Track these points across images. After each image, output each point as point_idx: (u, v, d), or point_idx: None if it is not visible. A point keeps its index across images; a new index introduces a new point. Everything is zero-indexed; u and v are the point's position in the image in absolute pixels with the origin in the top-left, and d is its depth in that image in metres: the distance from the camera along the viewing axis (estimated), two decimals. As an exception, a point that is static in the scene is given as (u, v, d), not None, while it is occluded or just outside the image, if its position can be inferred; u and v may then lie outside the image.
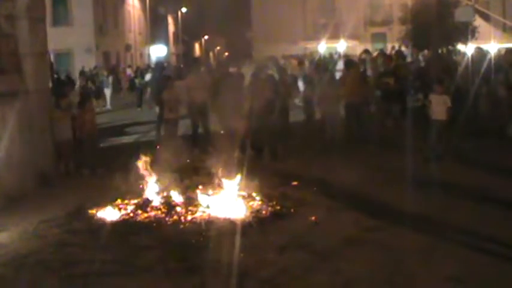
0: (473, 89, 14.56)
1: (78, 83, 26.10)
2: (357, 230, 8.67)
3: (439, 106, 13.31)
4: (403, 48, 33.93)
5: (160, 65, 26.44)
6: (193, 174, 10.48)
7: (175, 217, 9.32)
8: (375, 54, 23.89)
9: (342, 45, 43.46)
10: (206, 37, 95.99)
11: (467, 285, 6.74)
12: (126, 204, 10.01)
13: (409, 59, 27.39)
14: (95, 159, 13.23)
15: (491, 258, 7.48)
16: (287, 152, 13.95)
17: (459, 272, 7.03)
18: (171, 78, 18.38)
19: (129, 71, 44.53)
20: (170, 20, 78.76)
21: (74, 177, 12.66)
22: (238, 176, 10.15)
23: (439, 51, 28.57)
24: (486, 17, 38.16)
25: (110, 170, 12.39)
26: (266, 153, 13.84)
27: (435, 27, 28.35)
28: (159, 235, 8.67)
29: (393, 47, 35.64)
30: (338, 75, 19.27)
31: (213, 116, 15.77)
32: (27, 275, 7.49)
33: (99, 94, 29.73)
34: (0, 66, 11.64)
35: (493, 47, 27.74)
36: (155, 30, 70.21)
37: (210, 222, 9.03)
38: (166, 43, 74.19)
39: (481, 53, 17.61)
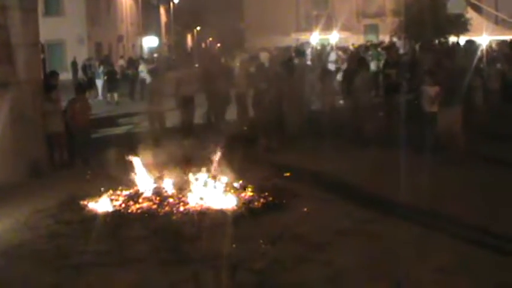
0: (465, 81, 14.55)
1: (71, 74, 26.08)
2: (349, 222, 8.70)
3: (430, 98, 13.32)
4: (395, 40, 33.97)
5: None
6: (185, 166, 10.48)
7: (167, 208, 9.33)
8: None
9: (334, 37, 43.41)
10: (198, 28, 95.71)
11: (459, 277, 6.78)
12: (119, 195, 10.01)
13: (401, 51, 27.50)
14: (87, 151, 13.20)
15: (483, 250, 7.52)
16: (281, 143, 13.97)
17: (451, 264, 7.08)
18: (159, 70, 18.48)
19: (121, 62, 44.41)
20: (162, 10, 78.48)
21: (67, 168, 12.64)
22: (231, 167, 10.17)
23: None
24: (478, 10, 38.20)
25: (102, 161, 12.40)
26: (261, 144, 13.83)
27: (428, 19, 28.43)
28: (151, 226, 8.68)
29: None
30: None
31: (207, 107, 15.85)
32: (20, 265, 7.49)
33: (91, 85, 29.62)
34: (-8, 57, 11.62)
35: (485, 39, 27.74)
36: (147, 20, 69.98)
37: (202, 213, 9.04)
38: (159, 34, 73.97)
39: (472, 46, 17.68)
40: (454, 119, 12.36)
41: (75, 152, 13.22)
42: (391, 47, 22.74)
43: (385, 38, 37.79)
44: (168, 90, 16.37)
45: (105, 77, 28.56)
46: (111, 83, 28.22)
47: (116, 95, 27.65)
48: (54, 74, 14.77)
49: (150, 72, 22.16)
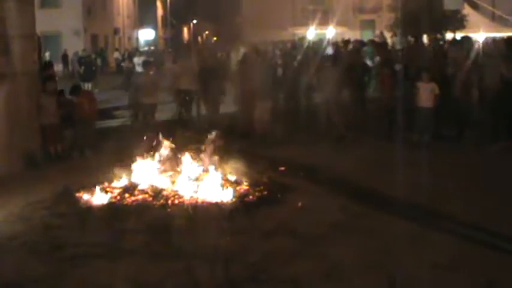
0: (462, 77, 14.58)
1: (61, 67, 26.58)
2: (343, 216, 8.72)
3: (426, 94, 13.42)
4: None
5: None
6: (180, 158, 10.48)
7: (162, 201, 9.32)
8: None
9: (330, 32, 43.35)
10: (195, 21, 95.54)
11: (454, 273, 6.79)
12: (113, 187, 10.00)
13: (398, 47, 27.47)
14: (84, 143, 13.20)
15: (478, 247, 7.55)
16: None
17: (446, 260, 7.09)
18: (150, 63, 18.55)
19: (116, 54, 44.54)
20: (159, 3, 78.30)
21: (62, 160, 12.62)
22: (226, 161, 10.18)
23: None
24: (475, 6, 38.15)
25: (98, 153, 12.43)
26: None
27: (424, 15, 28.38)
28: (145, 219, 8.67)
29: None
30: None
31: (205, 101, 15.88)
32: (13, 257, 7.48)
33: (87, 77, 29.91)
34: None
35: (482, 36, 27.76)
36: (144, 13, 69.90)
37: (196, 207, 9.05)
38: (155, 27, 73.89)
39: (469, 42, 17.66)
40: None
41: (74, 144, 13.22)
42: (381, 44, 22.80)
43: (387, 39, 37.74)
44: (163, 83, 16.38)
45: (82, 67, 29.42)
46: (87, 74, 28.99)
47: (90, 85, 28.40)
48: (49, 65, 14.71)
49: (143, 64, 22.29)
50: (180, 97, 15.93)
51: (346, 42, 24.20)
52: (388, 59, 16.81)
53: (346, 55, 19.20)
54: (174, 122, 15.76)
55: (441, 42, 24.93)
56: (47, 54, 38.59)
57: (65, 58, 39.62)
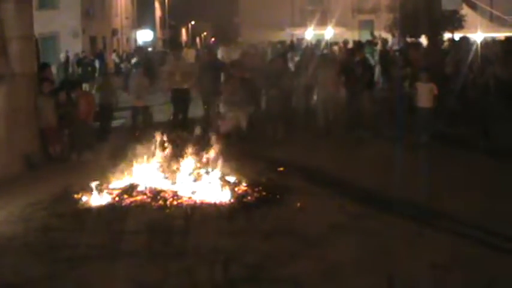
0: (460, 78, 14.63)
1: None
2: (342, 217, 8.71)
3: (425, 94, 13.42)
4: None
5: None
6: (178, 159, 10.47)
7: (160, 202, 9.32)
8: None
9: (329, 32, 43.33)
10: (193, 22, 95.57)
11: (453, 273, 6.79)
12: (112, 188, 9.99)
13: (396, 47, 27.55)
14: (83, 144, 13.19)
15: (477, 246, 7.54)
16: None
17: (445, 260, 7.09)
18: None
19: (113, 56, 44.56)
20: (157, 4, 78.21)
21: (61, 161, 12.62)
22: (225, 161, 10.18)
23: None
24: (473, 6, 38.18)
25: (96, 154, 12.41)
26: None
27: (422, 16, 28.38)
28: (144, 220, 8.66)
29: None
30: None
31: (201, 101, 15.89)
32: (12, 258, 7.47)
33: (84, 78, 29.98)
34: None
35: (480, 36, 27.79)
36: (142, 14, 69.80)
37: (195, 207, 9.04)
38: (153, 28, 73.81)
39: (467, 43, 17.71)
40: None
41: (73, 145, 13.21)
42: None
43: (381, 34, 37.75)
44: (158, 83, 16.41)
45: (80, 69, 29.37)
46: (84, 75, 28.98)
47: (87, 86, 28.34)
48: (45, 67, 14.68)
49: (134, 66, 22.20)
50: (174, 96, 15.91)
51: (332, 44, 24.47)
52: (362, 60, 16.81)
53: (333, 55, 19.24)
54: (171, 122, 15.72)
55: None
56: (62, 55, 38.65)
57: (66, 59, 39.53)
